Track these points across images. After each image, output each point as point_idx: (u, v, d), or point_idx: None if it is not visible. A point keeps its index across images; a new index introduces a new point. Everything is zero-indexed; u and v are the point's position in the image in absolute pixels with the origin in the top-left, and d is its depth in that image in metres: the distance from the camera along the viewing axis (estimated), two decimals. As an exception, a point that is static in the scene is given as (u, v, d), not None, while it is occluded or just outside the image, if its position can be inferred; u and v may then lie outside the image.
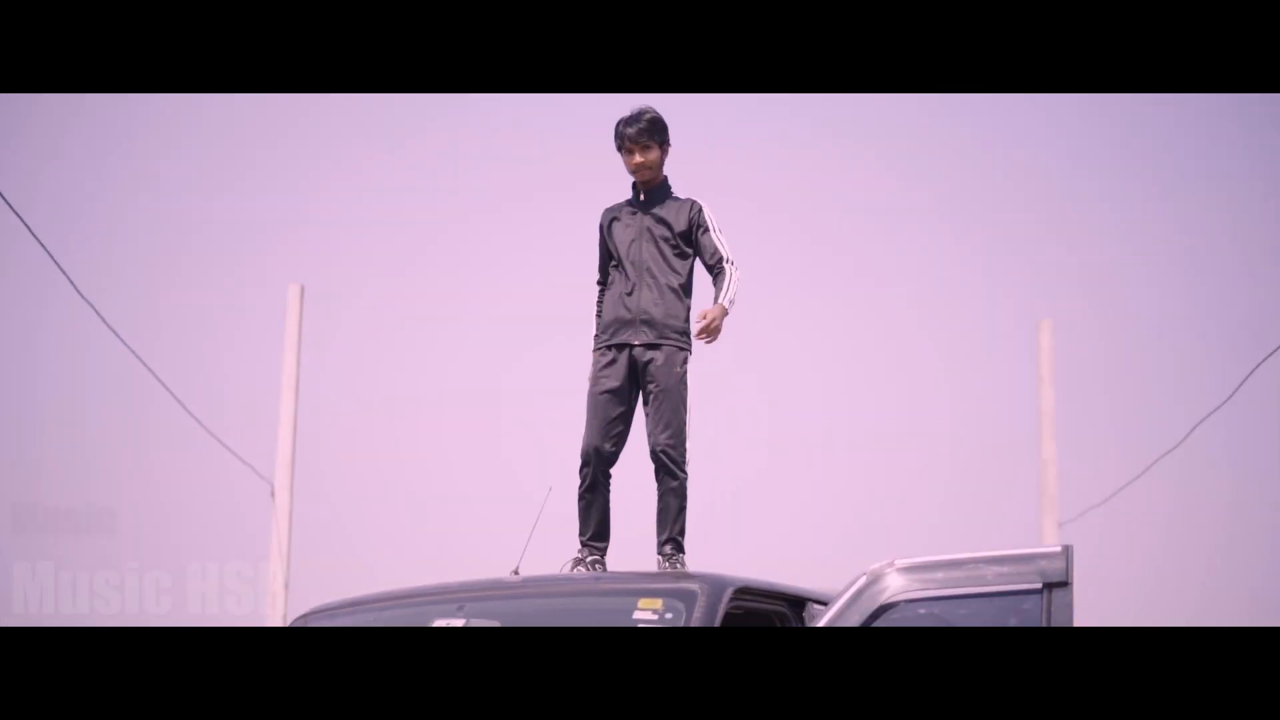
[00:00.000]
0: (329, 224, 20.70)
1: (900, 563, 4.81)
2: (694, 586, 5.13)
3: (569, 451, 6.32)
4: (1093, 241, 20.84)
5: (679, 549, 6.09)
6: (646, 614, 5.04)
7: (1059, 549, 4.70)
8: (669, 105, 6.42)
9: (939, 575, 4.76)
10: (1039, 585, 4.66)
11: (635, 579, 5.52)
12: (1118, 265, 20.85)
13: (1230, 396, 11.43)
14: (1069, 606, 4.63)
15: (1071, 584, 4.64)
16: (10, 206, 9.25)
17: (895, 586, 4.77)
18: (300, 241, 20.27)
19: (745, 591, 5.22)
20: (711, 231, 6.36)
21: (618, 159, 6.44)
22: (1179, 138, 20.32)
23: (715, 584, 5.14)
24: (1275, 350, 10.34)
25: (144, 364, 14.12)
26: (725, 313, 6.19)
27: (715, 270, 6.33)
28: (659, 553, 6.10)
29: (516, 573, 5.71)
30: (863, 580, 4.80)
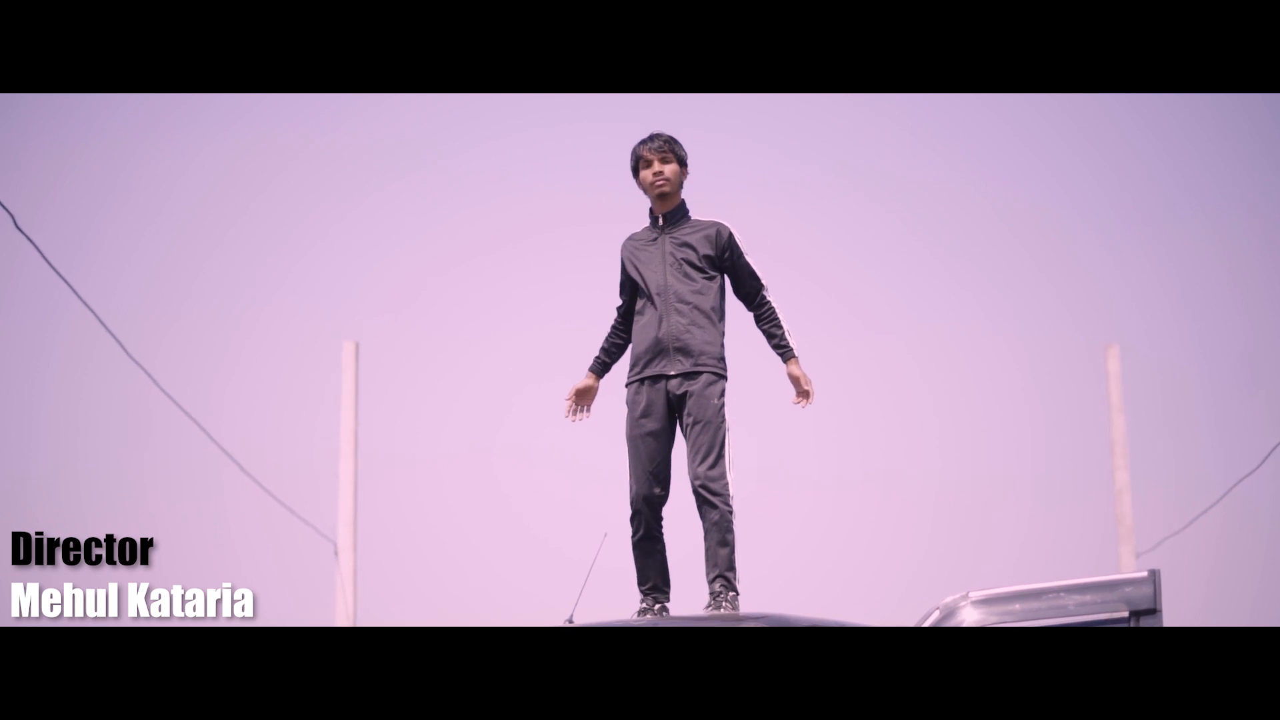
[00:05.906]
0: (381, 279, 20.57)
1: (975, 595, 4.55)
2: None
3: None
4: (1157, 264, 20.41)
5: (729, 586, 5.83)
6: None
7: (1145, 574, 4.43)
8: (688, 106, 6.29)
9: (1017, 607, 4.49)
10: (1125, 614, 4.39)
11: (690, 621, 5.25)
12: (1184, 287, 20.39)
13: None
14: None
15: (1160, 610, 4.36)
16: (58, 273, 9.13)
17: (971, 620, 4.49)
18: (353, 298, 20.15)
19: (811, 632, 4.94)
20: (745, 255, 6.17)
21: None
22: (1250, 153, 19.88)
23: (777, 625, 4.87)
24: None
25: (201, 427, 13.99)
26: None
27: (758, 305, 6.18)
28: (709, 592, 5.85)
29: (570, 621, 5.46)
30: (936, 614, 4.54)
